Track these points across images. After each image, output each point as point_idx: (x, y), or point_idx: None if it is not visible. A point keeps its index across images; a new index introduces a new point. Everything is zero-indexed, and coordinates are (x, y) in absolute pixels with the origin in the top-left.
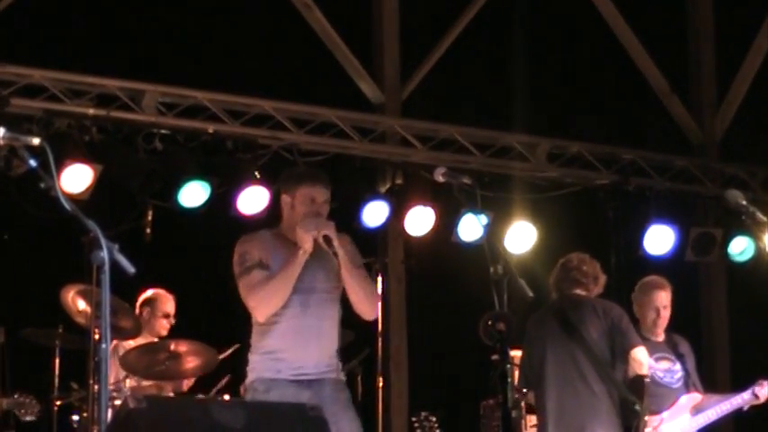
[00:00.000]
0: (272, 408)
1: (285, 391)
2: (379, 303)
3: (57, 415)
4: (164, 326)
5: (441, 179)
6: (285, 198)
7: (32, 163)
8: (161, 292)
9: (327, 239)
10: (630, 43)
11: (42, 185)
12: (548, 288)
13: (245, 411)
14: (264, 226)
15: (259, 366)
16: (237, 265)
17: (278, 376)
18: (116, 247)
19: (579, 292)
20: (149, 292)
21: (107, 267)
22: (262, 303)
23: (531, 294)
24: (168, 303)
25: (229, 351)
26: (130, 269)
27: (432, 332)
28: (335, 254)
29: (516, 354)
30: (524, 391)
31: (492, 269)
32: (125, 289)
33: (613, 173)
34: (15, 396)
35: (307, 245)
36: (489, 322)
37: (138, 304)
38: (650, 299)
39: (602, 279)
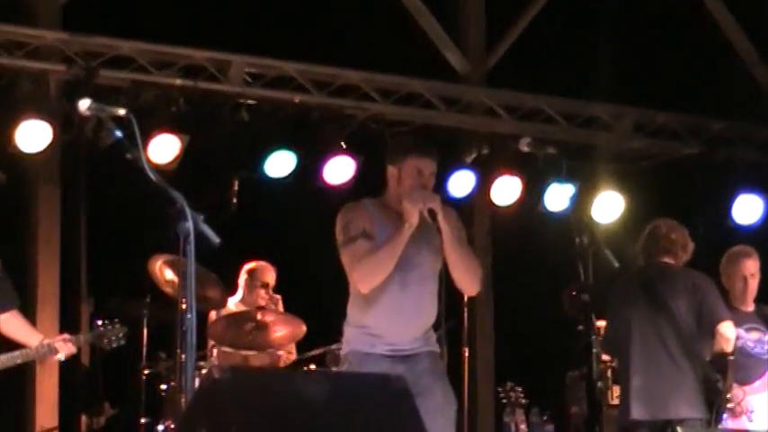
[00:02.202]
0: (356, 379)
1: (379, 364)
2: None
3: (145, 384)
4: (262, 296)
5: (525, 149)
6: (391, 169)
7: (118, 134)
8: (262, 263)
9: (432, 213)
10: (719, 12)
11: (128, 156)
12: (634, 257)
13: (329, 382)
14: (350, 196)
15: (354, 340)
16: (341, 234)
17: (372, 350)
18: (201, 217)
19: (668, 260)
20: (252, 263)
21: (192, 238)
22: (366, 276)
23: (617, 265)
24: (268, 274)
25: (319, 351)
26: (215, 240)
27: (517, 303)
28: (439, 229)
29: (602, 324)
30: (609, 360)
31: (577, 240)
32: (219, 260)
33: (701, 143)
34: (99, 324)
35: (413, 218)
36: (574, 293)
37: (240, 273)
38: (737, 268)
39: (691, 246)
